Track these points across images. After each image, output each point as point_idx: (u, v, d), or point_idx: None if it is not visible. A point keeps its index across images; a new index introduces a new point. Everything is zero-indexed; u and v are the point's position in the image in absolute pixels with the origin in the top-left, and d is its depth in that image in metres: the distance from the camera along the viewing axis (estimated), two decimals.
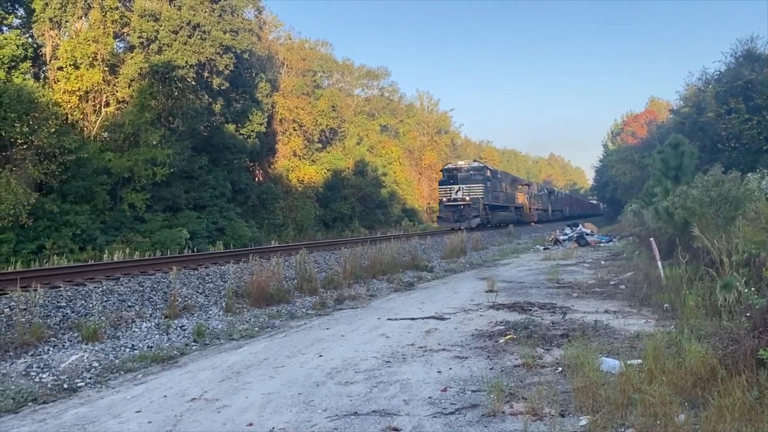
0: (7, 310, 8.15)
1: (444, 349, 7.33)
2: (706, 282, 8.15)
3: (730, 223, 8.99)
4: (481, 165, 37.00)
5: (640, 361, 5.77)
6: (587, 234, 30.52)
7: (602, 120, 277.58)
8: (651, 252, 11.67)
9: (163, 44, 28.78)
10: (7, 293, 8.94)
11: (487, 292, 12.43)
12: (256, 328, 9.45)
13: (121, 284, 10.54)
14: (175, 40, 28.99)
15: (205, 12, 30.62)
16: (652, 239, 11.77)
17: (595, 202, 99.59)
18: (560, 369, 6.12)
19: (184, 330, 9.02)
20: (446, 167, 37.38)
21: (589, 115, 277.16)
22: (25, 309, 8.07)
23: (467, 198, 34.13)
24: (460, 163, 37.66)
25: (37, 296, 8.45)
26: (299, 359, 7.16)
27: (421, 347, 7.51)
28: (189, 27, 29.58)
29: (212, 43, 30.02)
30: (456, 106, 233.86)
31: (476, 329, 8.53)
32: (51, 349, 7.58)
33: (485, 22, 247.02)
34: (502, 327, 8.54)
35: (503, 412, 4.94)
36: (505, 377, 5.93)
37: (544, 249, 25.79)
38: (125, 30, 29.24)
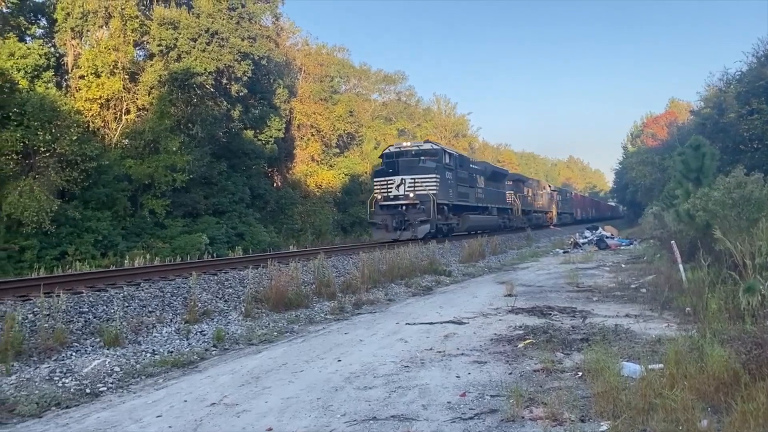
0: (31, 315, 8.28)
1: (463, 354, 7.30)
2: (729, 285, 8.04)
3: (753, 225, 8.86)
4: (436, 147, 26.00)
5: (661, 365, 5.71)
6: (607, 237, 30.26)
7: (622, 122, 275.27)
8: (672, 255, 11.54)
9: (182, 52, 29.12)
10: (31, 299, 9.08)
11: (506, 296, 12.37)
12: (275, 333, 9.50)
13: (142, 290, 10.65)
14: (194, 48, 29.32)
15: (223, 19, 30.92)
16: (673, 242, 11.65)
17: (614, 204, 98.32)
18: (580, 374, 6.07)
19: (204, 335, 9.09)
20: (386, 151, 26.74)
21: (608, 117, 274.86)
22: (48, 314, 8.18)
23: (411, 194, 23.53)
24: (405, 144, 26.73)
25: (60, 302, 8.55)
26: (318, 364, 7.18)
27: (440, 352, 7.49)
28: (207, 34, 29.90)
29: (230, 50, 30.31)
30: (473, 109, 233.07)
31: (495, 334, 8.49)
32: (74, 354, 7.67)
33: (502, 25, 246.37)
34: (521, 331, 8.49)
35: (523, 417, 4.91)
36: (525, 382, 5.90)
37: (564, 252, 25.62)
38: (145, 38, 29.63)
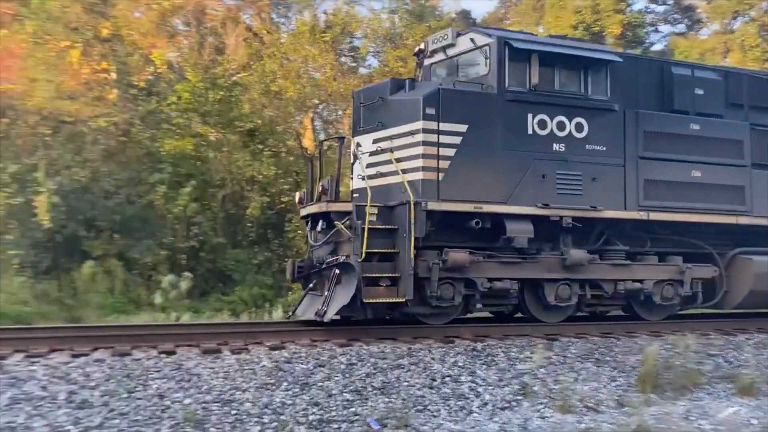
0: (664, 351, 8.80)
1: None
2: None
3: None
4: (485, 37, 9.11)
5: None
6: None
7: None
8: None
9: None
10: (662, 335, 9.67)
11: None
12: None
13: None
14: None
15: None
16: None
17: None
18: None
19: None
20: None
21: None
22: (679, 353, 8.56)
23: (368, 179, 8.75)
24: (427, 44, 10.20)
25: (690, 342, 8.84)
26: None
27: None
28: None
29: None
30: None
31: None
32: (705, 396, 7.82)
33: None
34: None
35: None
36: None
37: None
38: None
